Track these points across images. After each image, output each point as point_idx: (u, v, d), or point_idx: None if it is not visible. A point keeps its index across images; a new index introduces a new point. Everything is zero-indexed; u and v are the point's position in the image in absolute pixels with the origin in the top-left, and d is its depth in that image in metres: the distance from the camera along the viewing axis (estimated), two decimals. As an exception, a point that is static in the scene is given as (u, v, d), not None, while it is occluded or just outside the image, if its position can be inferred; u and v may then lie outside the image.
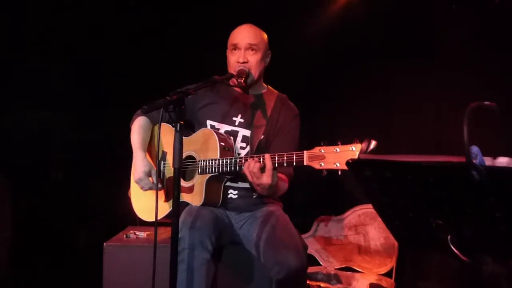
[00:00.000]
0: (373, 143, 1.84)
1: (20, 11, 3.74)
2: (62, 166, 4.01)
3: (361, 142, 1.90)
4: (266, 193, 2.28)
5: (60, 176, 4.02)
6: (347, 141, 1.94)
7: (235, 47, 2.47)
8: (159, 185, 2.49)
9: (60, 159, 3.93)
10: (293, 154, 2.07)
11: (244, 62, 2.43)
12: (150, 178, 2.41)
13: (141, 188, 2.45)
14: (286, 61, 3.84)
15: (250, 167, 2.13)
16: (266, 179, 2.12)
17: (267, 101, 2.56)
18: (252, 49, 2.45)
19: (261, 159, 2.14)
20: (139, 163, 2.45)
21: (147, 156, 2.53)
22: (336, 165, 1.93)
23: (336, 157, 1.93)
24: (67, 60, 3.83)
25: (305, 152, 2.03)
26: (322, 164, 1.97)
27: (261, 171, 2.13)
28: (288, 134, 2.52)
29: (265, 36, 2.55)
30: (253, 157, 2.18)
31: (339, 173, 1.93)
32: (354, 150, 1.90)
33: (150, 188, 2.41)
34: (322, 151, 1.97)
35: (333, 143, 1.97)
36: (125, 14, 3.96)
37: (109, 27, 3.89)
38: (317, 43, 4.00)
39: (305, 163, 2.02)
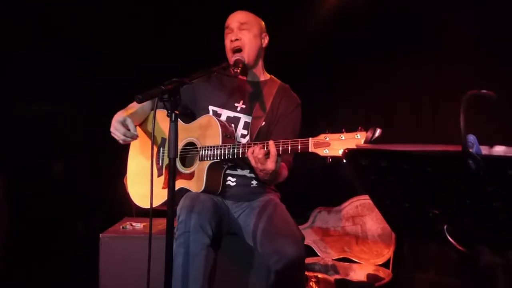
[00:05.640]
0: (378, 131, 1.82)
1: (19, 3, 3.72)
2: (60, 157, 4.00)
3: (366, 130, 1.88)
4: (268, 179, 2.26)
5: (58, 168, 4.01)
6: (352, 128, 1.93)
7: (228, 29, 2.52)
8: (158, 172, 2.50)
9: (57, 150, 3.93)
10: (298, 141, 2.06)
11: (236, 40, 2.47)
12: (127, 129, 2.35)
13: (117, 138, 2.38)
14: (288, 50, 3.84)
15: (255, 152, 2.13)
16: (270, 165, 2.11)
17: (269, 90, 2.56)
18: (244, 28, 2.50)
19: (265, 146, 2.13)
20: (116, 116, 2.40)
21: (146, 138, 2.54)
22: (341, 153, 1.91)
23: (341, 144, 1.91)
24: (66, 51, 3.82)
25: (310, 139, 2.01)
26: (327, 151, 1.95)
27: (265, 157, 2.12)
28: (288, 123, 2.52)
29: (259, 19, 2.59)
30: (257, 143, 2.17)
31: (344, 160, 1.92)
32: (359, 138, 1.89)
33: (125, 135, 2.34)
34: (327, 138, 1.96)
35: (337, 130, 1.96)
36: (125, 3, 3.94)
37: (108, 16, 3.87)
38: (318, 33, 3.99)
39: (310, 150, 2.01)
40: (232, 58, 2.47)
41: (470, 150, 1.15)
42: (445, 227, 1.37)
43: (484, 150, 1.21)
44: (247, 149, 2.19)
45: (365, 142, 1.85)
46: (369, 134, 1.84)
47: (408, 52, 3.72)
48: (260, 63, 2.61)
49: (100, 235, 2.48)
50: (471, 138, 1.18)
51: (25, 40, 3.76)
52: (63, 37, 3.83)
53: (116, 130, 2.35)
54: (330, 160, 1.96)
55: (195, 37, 3.92)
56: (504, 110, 2.84)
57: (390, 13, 3.75)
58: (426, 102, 3.78)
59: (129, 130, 2.35)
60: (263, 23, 2.60)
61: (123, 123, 2.35)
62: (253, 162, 2.16)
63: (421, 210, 1.42)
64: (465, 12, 3.47)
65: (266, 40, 2.59)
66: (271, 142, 2.11)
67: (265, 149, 2.13)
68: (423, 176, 1.31)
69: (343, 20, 3.96)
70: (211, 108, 2.52)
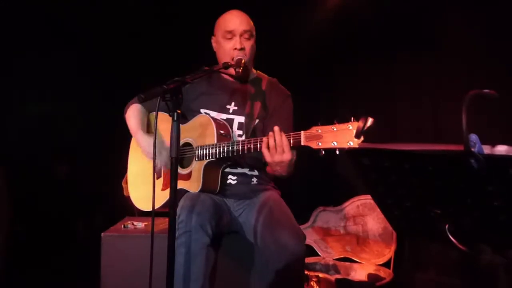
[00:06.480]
0: (370, 121, 1.79)
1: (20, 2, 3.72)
2: (60, 157, 4.00)
3: (358, 120, 1.85)
4: (286, 171, 2.22)
5: (59, 167, 4.01)
6: (344, 119, 1.90)
7: (231, 34, 2.45)
8: (157, 174, 2.50)
9: (58, 150, 3.93)
10: (290, 135, 2.03)
11: (242, 49, 2.42)
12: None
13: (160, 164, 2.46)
14: (287, 48, 3.83)
15: (271, 144, 2.06)
16: (286, 155, 2.05)
17: (258, 86, 2.56)
18: (247, 36, 2.45)
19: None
20: (146, 143, 2.48)
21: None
22: (334, 144, 1.88)
23: (334, 136, 1.89)
24: (66, 51, 3.82)
25: (302, 132, 1.99)
26: (320, 144, 1.92)
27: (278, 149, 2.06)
28: (281, 114, 2.51)
29: (251, 20, 2.54)
30: (251, 140, 2.15)
31: (337, 152, 1.89)
32: (351, 129, 1.86)
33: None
34: (319, 130, 1.93)
35: (330, 122, 1.92)
36: (125, 3, 3.93)
37: (108, 16, 3.87)
38: (318, 32, 3.99)
39: (302, 143, 1.98)
40: (234, 57, 2.44)
41: (472, 149, 1.15)
42: (446, 226, 1.37)
43: (486, 149, 1.22)
44: (242, 146, 2.17)
45: (357, 132, 1.82)
46: (361, 123, 1.81)
47: (408, 52, 3.72)
48: (251, 65, 2.60)
49: (102, 234, 2.48)
50: (473, 137, 1.18)
51: (25, 40, 3.77)
52: (63, 37, 3.83)
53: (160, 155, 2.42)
54: (323, 152, 1.92)
55: (195, 37, 3.92)
56: (505, 109, 2.85)
57: (390, 13, 3.75)
58: (426, 102, 3.78)
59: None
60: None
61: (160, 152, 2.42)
62: (268, 157, 2.09)
63: (423, 209, 1.43)
64: (465, 12, 3.47)
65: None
66: (282, 134, 2.06)
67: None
68: (425, 175, 1.31)
69: (343, 20, 3.96)
70: (203, 111, 2.51)
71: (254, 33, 2.49)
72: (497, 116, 2.97)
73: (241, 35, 2.44)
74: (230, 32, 2.45)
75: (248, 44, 2.45)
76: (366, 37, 3.87)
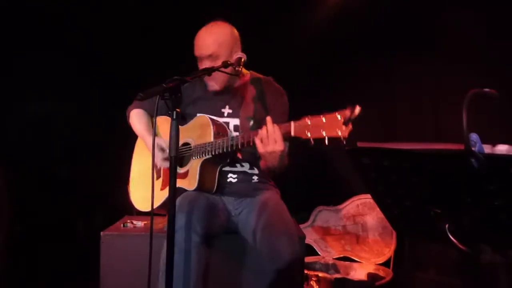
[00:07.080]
0: (357, 109, 1.84)
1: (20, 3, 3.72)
2: (60, 156, 4.00)
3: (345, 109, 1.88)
4: (278, 163, 2.21)
5: (59, 167, 4.01)
6: (333, 110, 1.93)
7: (198, 58, 2.44)
8: (157, 174, 2.51)
9: (58, 150, 3.92)
10: (281, 126, 2.04)
11: None
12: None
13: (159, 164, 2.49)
14: (287, 48, 3.83)
15: (263, 136, 2.07)
16: (278, 145, 2.06)
17: (252, 87, 2.56)
18: (211, 60, 2.38)
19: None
20: (149, 144, 2.54)
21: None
22: (323, 134, 1.91)
23: (323, 125, 1.91)
24: (66, 50, 3.81)
25: (292, 122, 2.00)
26: (309, 134, 1.94)
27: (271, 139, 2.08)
28: (276, 111, 2.49)
29: (227, 32, 2.45)
30: (252, 132, 2.15)
31: (326, 141, 1.91)
32: (340, 119, 1.88)
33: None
34: (309, 122, 1.95)
35: (319, 113, 1.95)
36: (125, 3, 3.93)
37: (107, 15, 3.86)
38: (318, 32, 3.99)
39: (292, 134, 1.99)
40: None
41: (473, 148, 1.15)
42: (446, 226, 1.37)
43: (487, 148, 1.22)
44: (236, 141, 2.18)
45: (344, 121, 1.86)
46: (348, 112, 1.86)
47: (408, 52, 3.72)
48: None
49: (101, 233, 2.49)
50: (474, 136, 1.18)
51: (25, 40, 3.76)
52: (63, 37, 3.83)
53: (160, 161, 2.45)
54: (313, 142, 1.94)
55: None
56: (505, 109, 2.84)
57: (390, 13, 3.75)
58: (426, 102, 3.79)
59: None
60: (235, 32, 2.48)
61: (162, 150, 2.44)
62: (261, 148, 2.09)
63: (423, 209, 1.43)
64: (465, 12, 3.47)
65: (240, 49, 2.46)
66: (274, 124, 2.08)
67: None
68: (425, 175, 1.31)
69: (343, 20, 3.96)
70: (198, 116, 2.50)
71: (223, 49, 2.39)
72: (497, 116, 2.97)
73: (206, 59, 2.39)
74: (197, 57, 2.44)
75: (216, 63, 2.34)
76: (366, 37, 3.87)
